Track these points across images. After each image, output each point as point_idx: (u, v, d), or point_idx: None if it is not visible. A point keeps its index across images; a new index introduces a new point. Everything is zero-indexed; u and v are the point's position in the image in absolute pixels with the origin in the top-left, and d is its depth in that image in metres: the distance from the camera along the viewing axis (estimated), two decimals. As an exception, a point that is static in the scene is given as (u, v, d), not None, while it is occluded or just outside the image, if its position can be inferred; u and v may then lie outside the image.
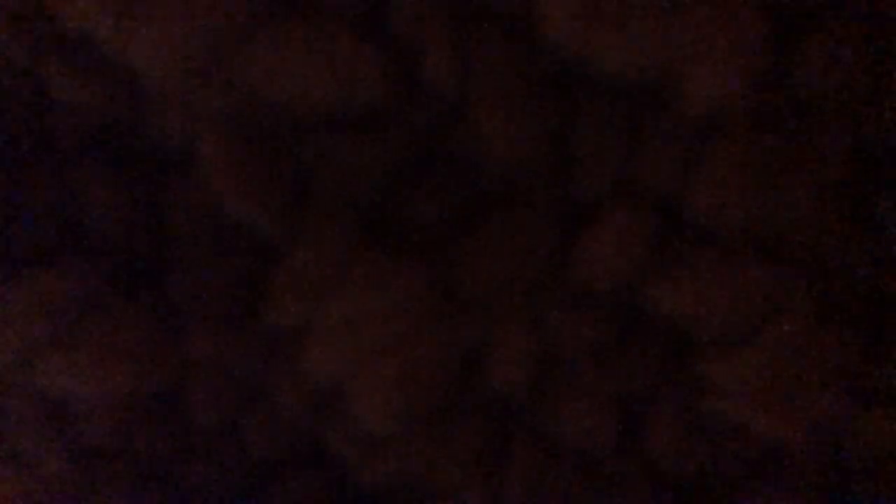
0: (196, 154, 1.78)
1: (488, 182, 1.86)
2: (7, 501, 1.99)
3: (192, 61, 1.64)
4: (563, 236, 1.86)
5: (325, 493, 2.00)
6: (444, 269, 1.83)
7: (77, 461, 1.94)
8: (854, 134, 1.79)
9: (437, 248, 1.85)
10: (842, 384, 1.91)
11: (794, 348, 1.88)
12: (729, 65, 1.67)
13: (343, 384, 1.88)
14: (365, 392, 1.88)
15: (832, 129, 1.78)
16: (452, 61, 1.74)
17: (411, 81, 1.78)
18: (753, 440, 1.92)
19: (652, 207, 1.84)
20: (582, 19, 1.63)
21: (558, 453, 1.94)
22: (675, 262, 1.87)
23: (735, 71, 1.68)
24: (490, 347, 1.89)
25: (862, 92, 1.74)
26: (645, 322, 1.90)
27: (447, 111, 1.82)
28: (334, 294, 1.80)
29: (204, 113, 1.74)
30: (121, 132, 1.81)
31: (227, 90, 1.69)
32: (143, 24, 1.60)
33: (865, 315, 1.91)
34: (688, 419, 1.93)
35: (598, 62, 1.68)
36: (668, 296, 1.86)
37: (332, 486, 1.99)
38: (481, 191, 1.86)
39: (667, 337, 1.93)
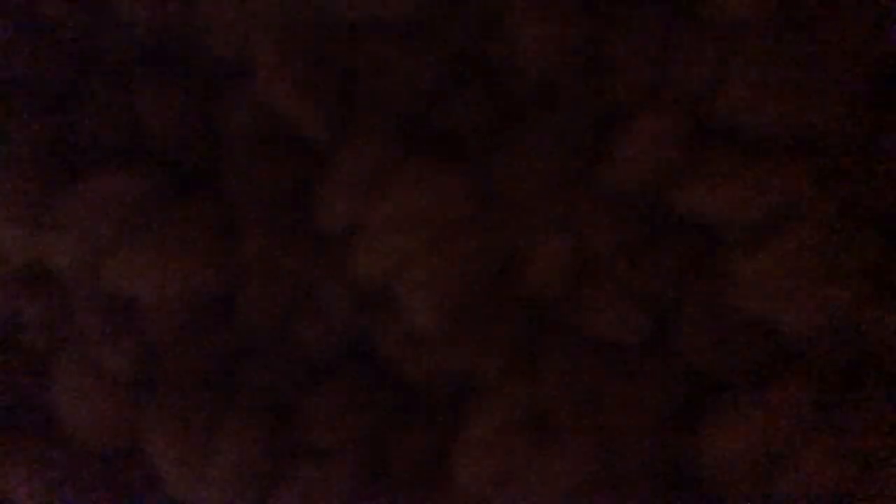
0: (249, 60, 1.88)
1: (524, 87, 1.94)
2: (75, 400, 2.12)
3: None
4: (597, 139, 1.95)
5: (373, 392, 2.11)
6: (484, 171, 1.92)
7: (140, 361, 2.07)
8: (884, 36, 1.86)
9: (477, 152, 1.94)
10: (865, 279, 2.00)
11: (818, 244, 1.96)
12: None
13: (390, 282, 1.99)
14: (411, 289, 1.98)
15: (863, 30, 1.85)
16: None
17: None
18: (778, 334, 2.02)
19: (683, 110, 1.93)
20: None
21: (591, 348, 2.05)
22: (704, 162, 1.95)
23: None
24: (527, 246, 1.99)
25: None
26: (675, 222, 2.00)
27: (485, 19, 1.90)
28: (380, 195, 1.90)
29: (257, 20, 1.83)
30: (174, 42, 1.91)
31: (277, 5, 1.78)
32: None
33: (889, 213, 2.00)
34: (715, 314, 2.03)
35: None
36: (697, 195, 1.94)
37: (380, 385, 2.11)
38: (518, 96, 1.95)
39: (696, 236, 2.02)
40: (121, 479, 2.13)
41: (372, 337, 2.08)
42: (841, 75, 1.87)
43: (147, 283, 1.94)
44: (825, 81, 1.87)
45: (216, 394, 2.13)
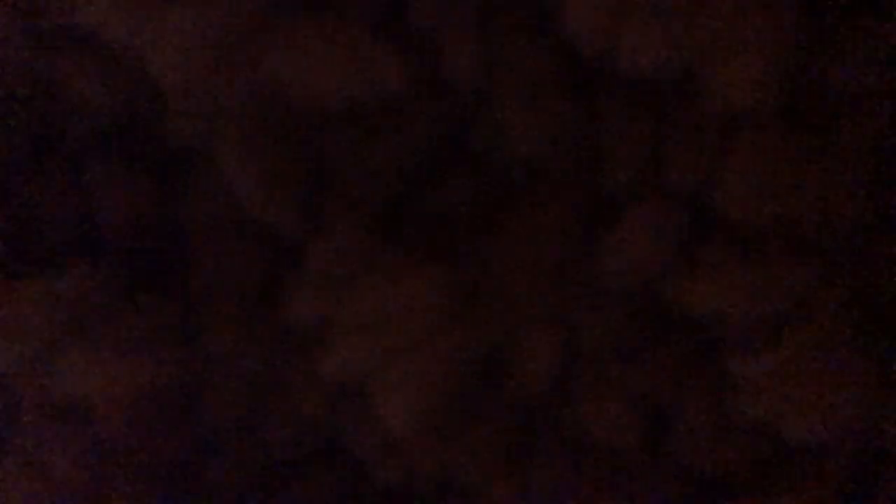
0: (214, 150, 1.76)
1: (511, 177, 1.83)
2: None
3: (207, 59, 1.60)
4: (588, 232, 1.83)
5: (343, 492, 1.98)
6: (467, 265, 1.79)
7: (91, 462, 1.93)
8: (887, 131, 1.76)
9: (459, 245, 1.82)
10: (871, 384, 1.88)
11: (822, 346, 1.85)
12: (759, 60, 1.63)
13: (363, 383, 1.86)
14: (386, 391, 1.85)
15: (865, 126, 1.74)
16: (473, 54, 1.70)
17: (432, 74, 1.75)
18: (781, 440, 1.89)
19: (679, 202, 1.81)
20: (606, 15, 1.59)
21: (583, 451, 1.92)
22: (702, 258, 1.84)
23: (765, 66, 1.64)
24: (513, 345, 1.86)
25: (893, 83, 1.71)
26: (671, 319, 1.87)
27: (469, 104, 1.79)
28: (355, 291, 1.77)
29: (221, 109, 1.71)
30: (135, 129, 1.79)
31: (244, 87, 1.66)
32: (156, 21, 1.56)
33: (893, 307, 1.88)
34: (714, 418, 1.91)
35: (622, 58, 1.64)
36: (695, 293, 1.83)
37: (350, 485, 1.97)
38: (504, 186, 1.83)
39: (694, 334, 1.90)
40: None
41: (344, 437, 1.95)
42: (844, 171, 1.76)
43: (99, 381, 1.81)
44: (827, 178, 1.76)
45: (176, 494, 2.00)
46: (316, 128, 1.70)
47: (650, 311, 1.87)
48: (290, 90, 1.64)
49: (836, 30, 1.67)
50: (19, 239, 1.74)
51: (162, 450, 1.96)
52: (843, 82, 1.70)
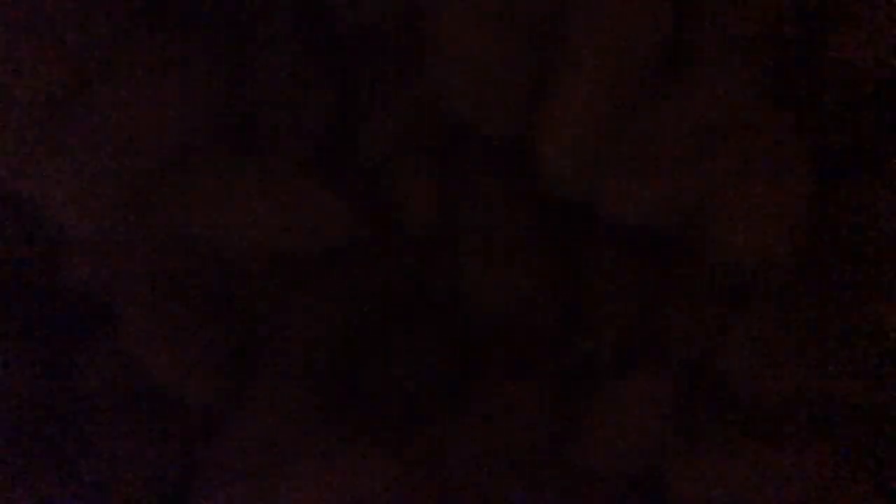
0: (117, 308, 1.48)
1: (477, 340, 1.56)
2: None
3: (108, 202, 1.34)
4: (567, 409, 1.55)
5: None
6: (422, 448, 1.51)
7: None
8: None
9: (410, 423, 1.53)
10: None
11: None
12: (768, 215, 1.39)
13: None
14: None
15: (886, 279, 1.50)
16: (431, 198, 1.45)
17: (382, 220, 1.50)
18: None
19: (674, 371, 1.55)
20: (587, 158, 1.35)
21: None
22: (700, 437, 1.56)
23: (775, 222, 1.40)
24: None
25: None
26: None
27: (424, 255, 1.53)
28: (284, 478, 1.47)
29: (123, 261, 1.43)
30: (27, 282, 1.51)
31: (150, 235, 1.39)
32: (51, 161, 1.30)
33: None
34: None
35: (609, 209, 1.40)
36: (697, 479, 1.55)
37: None
38: (467, 351, 1.56)
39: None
40: None
41: None
42: (870, 342, 1.51)
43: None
44: (850, 349, 1.50)
45: None
46: (240, 283, 1.44)
47: (643, 501, 1.59)
48: (207, 238, 1.37)
49: (852, 181, 1.45)
50: None
51: None
52: (858, 237, 1.47)
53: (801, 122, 1.40)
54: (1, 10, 1.23)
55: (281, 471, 1.43)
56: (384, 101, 1.40)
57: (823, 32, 1.41)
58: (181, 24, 1.29)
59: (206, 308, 1.44)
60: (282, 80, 1.37)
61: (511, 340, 1.51)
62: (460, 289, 1.47)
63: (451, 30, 1.31)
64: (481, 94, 1.36)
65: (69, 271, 1.45)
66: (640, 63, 1.33)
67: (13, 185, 1.37)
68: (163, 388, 1.44)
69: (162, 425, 1.51)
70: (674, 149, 1.35)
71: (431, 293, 1.50)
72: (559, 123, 1.35)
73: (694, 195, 1.39)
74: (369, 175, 1.41)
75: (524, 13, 1.31)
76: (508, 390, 1.52)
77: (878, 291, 1.50)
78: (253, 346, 1.46)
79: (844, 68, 1.42)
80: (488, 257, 1.46)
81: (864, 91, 1.46)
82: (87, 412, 1.48)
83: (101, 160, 1.28)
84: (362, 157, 1.40)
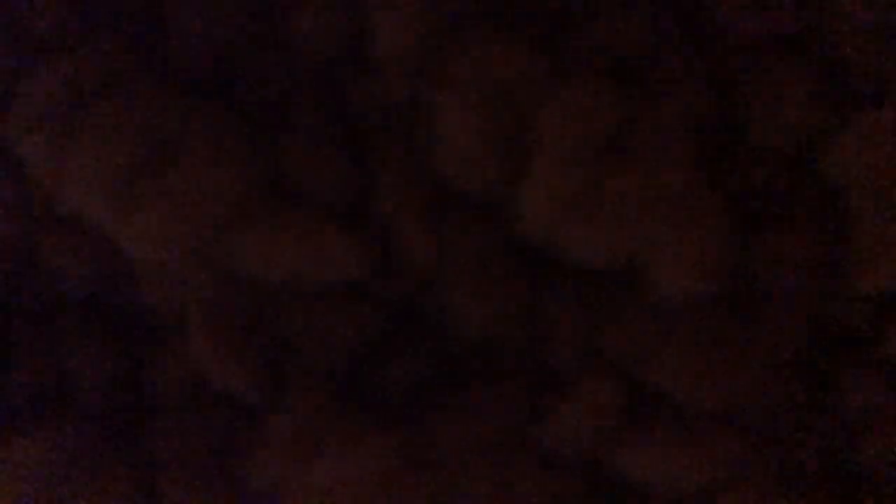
0: (182, 324, 1.86)
1: (461, 352, 1.94)
2: None
3: (184, 244, 1.72)
4: (534, 405, 1.94)
5: None
6: (417, 434, 1.90)
7: None
8: (810, 317, 1.88)
9: (411, 415, 1.92)
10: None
11: (752, 512, 1.96)
12: (694, 255, 1.76)
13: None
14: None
15: (790, 313, 1.87)
16: (428, 241, 1.82)
17: (388, 259, 1.87)
18: None
19: (619, 378, 1.93)
20: (556, 215, 1.72)
21: None
22: (640, 429, 1.95)
23: (700, 261, 1.77)
24: (460, 509, 1.96)
25: (820, 282, 1.84)
26: (610, 486, 1.98)
27: (422, 286, 1.90)
28: (311, 460, 1.87)
29: (192, 288, 1.81)
30: (109, 300, 1.89)
31: (215, 270, 1.77)
32: (136, 209, 1.67)
33: (822, 480, 1.99)
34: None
35: (570, 250, 1.77)
36: (633, 461, 1.94)
37: None
38: (454, 360, 1.94)
39: (631, 498, 2.01)
40: None
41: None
42: (771, 357, 1.89)
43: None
44: (756, 361, 1.88)
45: None
46: (280, 307, 1.82)
47: (592, 479, 1.98)
48: (257, 274, 1.75)
49: (760, 230, 1.82)
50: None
51: None
52: (768, 280, 1.84)
53: (725, 190, 1.76)
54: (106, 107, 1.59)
55: (312, 452, 1.83)
56: (391, 168, 1.77)
57: (744, 121, 1.77)
58: (235, 115, 1.65)
59: (254, 324, 1.82)
60: (311, 152, 1.73)
61: (489, 353, 1.90)
62: (449, 313, 1.85)
63: (449, 117, 1.67)
64: (472, 165, 1.73)
65: (146, 292, 1.83)
66: (594, 144, 1.69)
67: (104, 226, 1.74)
68: (217, 385, 1.83)
69: (214, 416, 1.91)
70: (622, 210, 1.72)
71: (426, 315, 1.88)
72: (536, 189, 1.72)
73: (637, 244, 1.76)
74: (382, 223, 1.78)
75: (504, 107, 1.67)
76: (486, 392, 1.91)
77: (782, 313, 1.88)
78: (288, 355, 1.84)
79: (761, 150, 1.78)
80: (471, 288, 1.84)
81: (775, 165, 1.82)
82: (158, 405, 1.87)
83: (177, 212, 1.65)
84: (374, 210, 1.77)
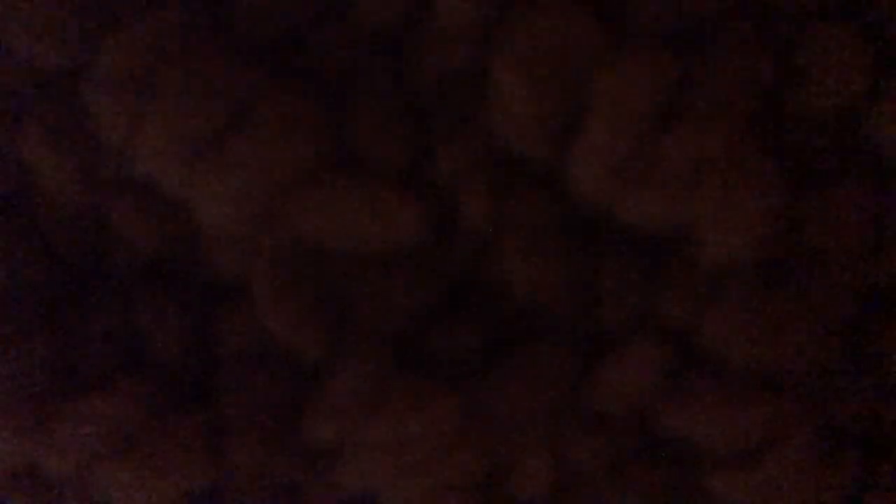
0: (248, 285, 1.93)
1: (516, 316, 2.00)
2: None
3: (250, 209, 1.78)
4: (585, 366, 1.99)
5: None
6: (474, 394, 1.96)
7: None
8: (859, 281, 1.93)
9: (467, 374, 1.98)
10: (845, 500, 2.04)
11: (796, 471, 2.01)
12: (744, 220, 1.81)
13: (378, 494, 2.01)
14: (397, 501, 2.01)
15: (838, 278, 1.91)
16: (485, 207, 1.87)
17: (447, 224, 1.92)
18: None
19: (667, 341, 1.98)
20: (609, 179, 1.77)
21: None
22: (687, 390, 2.00)
23: (750, 225, 1.82)
24: (514, 467, 2.03)
25: (868, 246, 1.88)
26: (658, 443, 2.04)
27: (479, 250, 1.96)
28: (371, 416, 1.93)
29: (259, 250, 1.88)
30: (177, 264, 1.95)
31: (281, 234, 1.83)
32: (209, 174, 1.73)
33: (864, 443, 2.05)
34: (697, 533, 2.07)
35: (622, 214, 1.82)
36: (681, 421, 2.00)
37: None
38: (509, 324, 2.00)
39: (678, 458, 2.07)
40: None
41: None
42: (818, 321, 1.94)
43: (135, 492, 1.97)
44: (803, 325, 1.93)
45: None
46: (340, 269, 1.88)
47: (638, 436, 2.04)
48: (320, 239, 1.81)
49: (812, 198, 1.86)
50: (67, 361, 1.90)
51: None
52: (817, 242, 1.89)
53: (776, 154, 1.80)
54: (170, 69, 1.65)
55: (372, 411, 1.89)
56: (450, 134, 1.82)
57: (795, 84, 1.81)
58: (301, 83, 1.71)
59: (316, 288, 1.88)
60: (373, 119, 1.79)
61: (542, 317, 1.95)
62: (504, 277, 1.91)
63: (505, 81, 1.72)
64: (527, 129, 1.77)
65: (212, 256, 1.89)
66: (648, 107, 1.73)
67: (178, 191, 1.80)
68: (281, 344, 1.90)
69: (279, 374, 1.98)
70: (674, 173, 1.76)
71: (483, 279, 1.94)
72: (588, 151, 1.77)
73: (689, 208, 1.80)
74: (440, 191, 1.84)
75: (559, 72, 1.72)
76: (540, 354, 1.97)
77: (828, 283, 1.93)
78: (350, 316, 1.91)
79: (812, 113, 1.82)
80: (527, 254, 1.89)
81: (825, 128, 1.86)
82: (225, 363, 1.94)
83: (246, 177, 1.71)
84: (434, 176, 1.82)
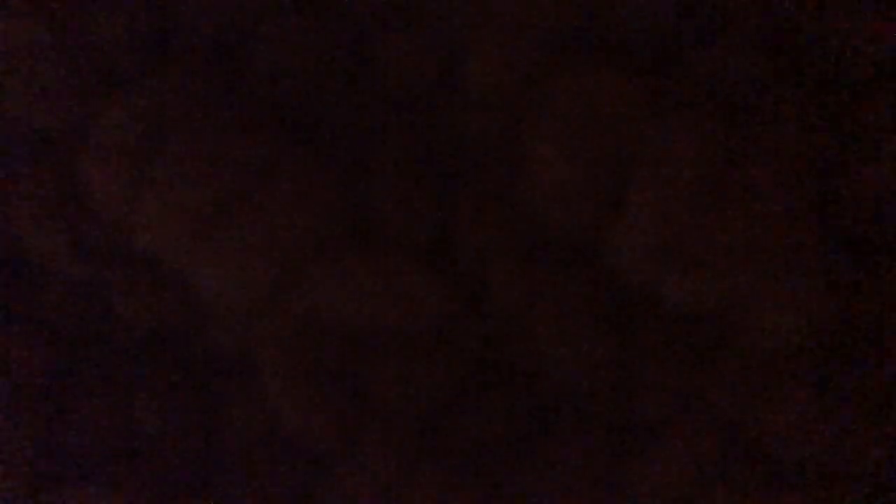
0: (256, 366, 1.78)
1: (547, 400, 1.84)
2: None
3: (258, 286, 1.63)
4: (621, 456, 1.83)
5: None
6: (501, 487, 1.80)
7: None
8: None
9: (493, 466, 1.83)
10: None
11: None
12: (801, 302, 1.65)
13: None
14: None
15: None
16: (518, 283, 1.73)
17: (473, 301, 1.78)
18: None
19: (712, 427, 1.82)
20: (655, 257, 1.62)
21: None
22: (735, 481, 1.84)
23: (806, 308, 1.66)
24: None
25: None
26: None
27: (508, 330, 1.81)
28: (391, 508, 1.78)
29: (268, 329, 1.73)
30: (176, 341, 1.81)
31: (294, 311, 1.69)
32: (218, 249, 1.59)
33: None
34: None
35: (667, 294, 1.67)
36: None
37: None
38: (539, 409, 1.85)
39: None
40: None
41: None
42: (880, 406, 1.77)
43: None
44: (863, 412, 1.77)
45: None
46: (359, 350, 1.73)
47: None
48: (335, 315, 1.66)
49: (867, 280, 1.70)
50: (62, 447, 1.75)
51: None
52: (873, 327, 1.73)
53: (833, 234, 1.65)
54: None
55: (387, 501, 1.74)
56: (480, 205, 1.68)
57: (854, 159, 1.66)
58: (318, 150, 1.57)
59: (331, 368, 1.73)
60: (396, 188, 1.64)
61: (577, 400, 1.79)
62: (536, 358, 1.75)
63: (543, 150, 1.58)
64: (564, 202, 1.63)
65: (216, 334, 1.75)
66: (696, 182, 1.59)
67: (179, 264, 1.66)
68: (291, 430, 1.75)
69: (286, 461, 1.82)
70: (723, 254, 1.61)
71: (512, 361, 1.78)
72: (632, 228, 1.62)
73: (739, 291, 1.65)
74: (466, 267, 1.69)
75: (601, 140, 1.57)
76: (571, 443, 1.81)
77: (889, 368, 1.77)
78: (364, 400, 1.76)
79: (871, 191, 1.67)
80: (559, 332, 1.73)
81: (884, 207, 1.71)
82: (228, 452, 1.79)
83: (253, 252, 1.57)
84: (460, 252, 1.67)
